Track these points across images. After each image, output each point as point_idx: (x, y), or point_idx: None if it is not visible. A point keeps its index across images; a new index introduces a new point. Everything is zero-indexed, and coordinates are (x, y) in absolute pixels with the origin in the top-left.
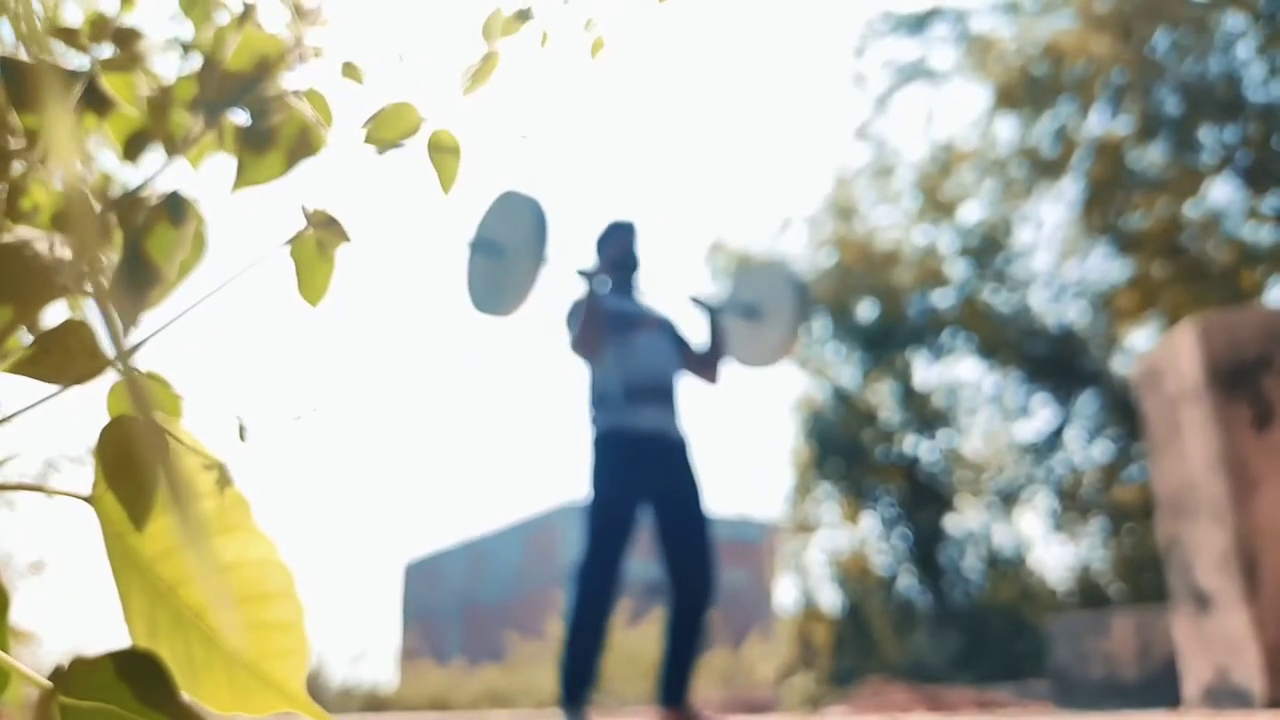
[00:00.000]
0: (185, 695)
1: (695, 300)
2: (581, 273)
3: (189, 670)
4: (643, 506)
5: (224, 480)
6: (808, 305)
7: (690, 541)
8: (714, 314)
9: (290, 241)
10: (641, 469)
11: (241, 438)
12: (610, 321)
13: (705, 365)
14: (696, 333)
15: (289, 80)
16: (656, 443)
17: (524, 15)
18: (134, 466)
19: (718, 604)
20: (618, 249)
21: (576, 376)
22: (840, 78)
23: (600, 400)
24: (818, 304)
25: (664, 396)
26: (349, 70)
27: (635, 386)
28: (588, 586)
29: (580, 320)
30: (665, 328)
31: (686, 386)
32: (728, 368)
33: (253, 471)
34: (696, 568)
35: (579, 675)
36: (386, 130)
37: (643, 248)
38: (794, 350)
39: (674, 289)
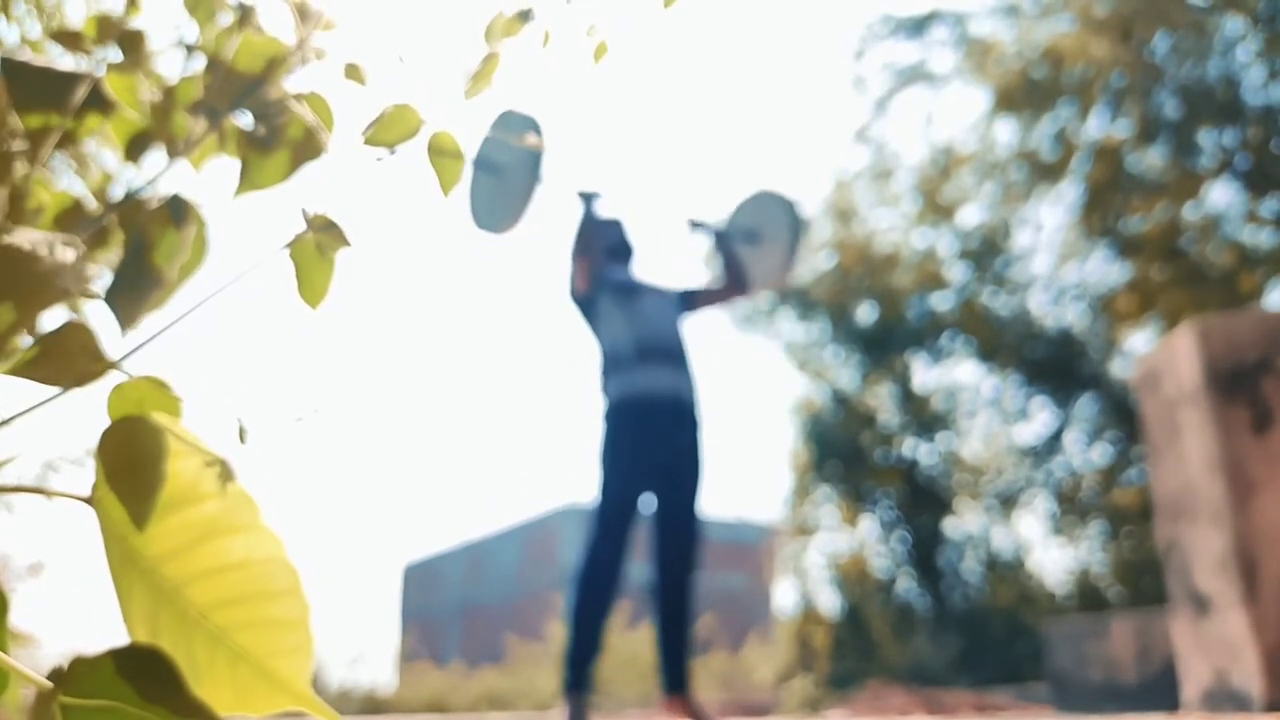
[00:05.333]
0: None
1: (696, 224)
2: (581, 194)
3: (192, 670)
4: (649, 485)
5: (227, 476)
6: (804, 229)
7: (679, 526)
8: (719, 237)
9: (290, 244)
10: (651, 445)
11: (242, 439)
12: (613, 289)
13: (729, 286)
14: (702, 272)
15: (292, 83)
16: (669, 409)
17: (525, 16)
18: (137, 467)
19: (717, 606)
20: (609, 241)
21: (587, 350)
22: (840, 80)
23: (612, 363)
24: (809, 228)
25: (675, 356)
26: (351, 72)
27: (646, 347)
28: (596, 556)
29: (575, 246)
30: (667, 293)
31: (698, 341)
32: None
33: (255, 472)
34: (680, 550)
35: (585, 642)
36: (387, 132)
37: (633, 237)
38: (793, 274)
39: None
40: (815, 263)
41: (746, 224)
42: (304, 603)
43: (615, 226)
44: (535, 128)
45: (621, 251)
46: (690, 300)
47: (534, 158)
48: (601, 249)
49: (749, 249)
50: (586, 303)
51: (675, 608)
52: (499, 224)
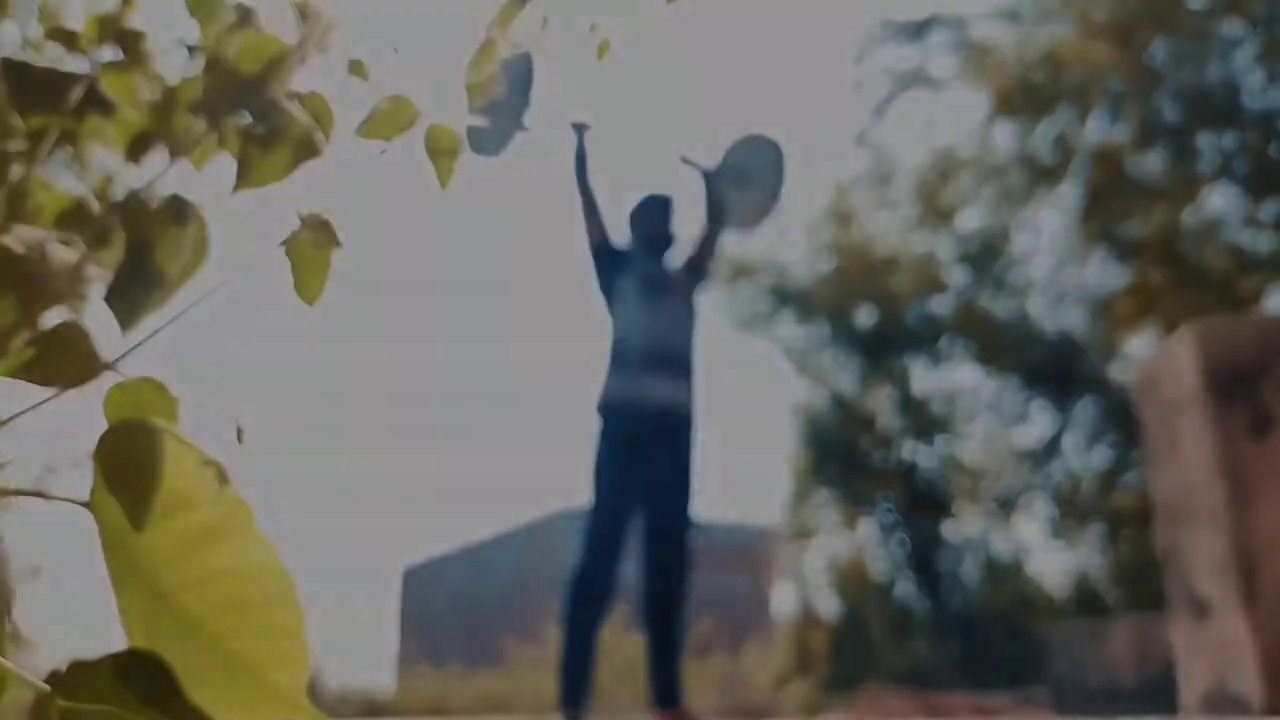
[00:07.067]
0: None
1: (688, 161)
2: (574, 125)
3: (187, 678)
4: (641, 498)
5: (222, 479)
6: (785, 169)
7: (670, 541)
8: (708, 176)
9: (285, 241)
10: (645, 456)
11: (239, 440)
12: (642, 280)
13: (712, 228)
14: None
15: (293, 81)
16: (667, 421)
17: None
18: (135, 472)
19: (716, 609)
20: (652, 224)
21: (589, 343)
22: (840, 84)
23: (619, 357)
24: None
25: (681, 366)
26: (355, 68)
27: (656, 353)
28: (587, 568)
29: (577, 177)
30: (687, 286)
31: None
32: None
33: (251, 475)
34: (671, 565)
35: (579, 656)
36: (383, 125)
37: (677, 223)
38: (777, 212)
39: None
40: (815, 266)
41: (735, 165)
42: (297, 610)
43: (663, 210)
44: (527, 62)
45: (660, 241)
46: (698, 268)
47: (524, 81)
48: (642, 235)
49: (736, 189)
50: (607, 272)
51: (666, 623)
52: (488, 148)
